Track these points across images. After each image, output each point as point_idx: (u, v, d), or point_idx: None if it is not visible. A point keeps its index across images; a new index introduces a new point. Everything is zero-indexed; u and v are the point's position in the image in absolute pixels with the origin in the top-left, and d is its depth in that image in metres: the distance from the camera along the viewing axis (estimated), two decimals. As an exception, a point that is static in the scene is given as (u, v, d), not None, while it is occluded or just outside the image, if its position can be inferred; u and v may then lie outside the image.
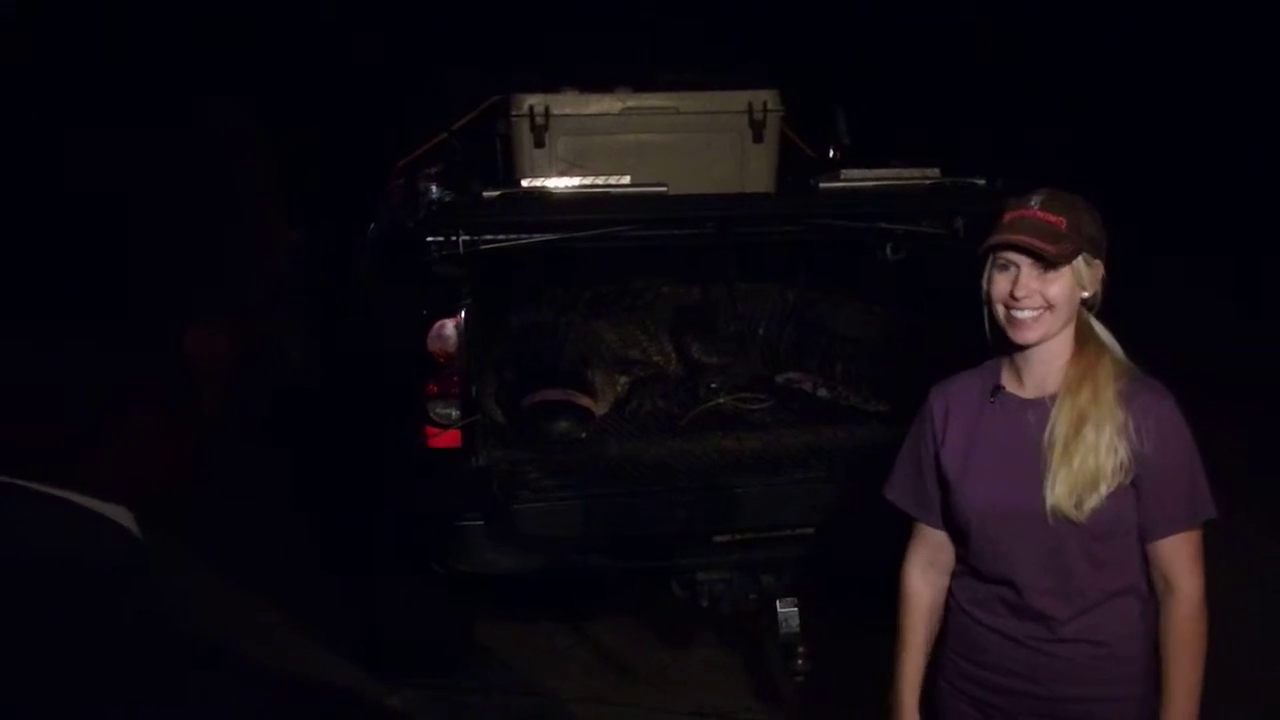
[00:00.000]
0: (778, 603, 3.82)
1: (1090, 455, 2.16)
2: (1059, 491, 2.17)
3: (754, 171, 4.75)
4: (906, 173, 4.18)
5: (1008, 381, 2.31)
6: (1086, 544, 2.22)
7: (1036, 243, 2.16)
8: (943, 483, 2.37)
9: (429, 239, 3.69)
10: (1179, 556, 2.22)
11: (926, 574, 2.43)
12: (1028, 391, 2.28)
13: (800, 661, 3.81)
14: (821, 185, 4.14)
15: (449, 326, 3.70)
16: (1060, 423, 2.19)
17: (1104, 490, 2.16)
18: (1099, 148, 9.40)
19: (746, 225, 4.20)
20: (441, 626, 4.34)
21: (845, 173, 4.19)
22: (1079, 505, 2.17)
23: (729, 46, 5.88)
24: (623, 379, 4.76)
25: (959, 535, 2.37)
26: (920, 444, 2.42)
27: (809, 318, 5.08)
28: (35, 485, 0.74)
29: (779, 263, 5.07)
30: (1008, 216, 2.23)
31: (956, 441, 2.34)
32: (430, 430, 3.72)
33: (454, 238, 3.67)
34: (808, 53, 7.02)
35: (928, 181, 4.14)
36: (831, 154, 5.29)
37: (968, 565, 2.37)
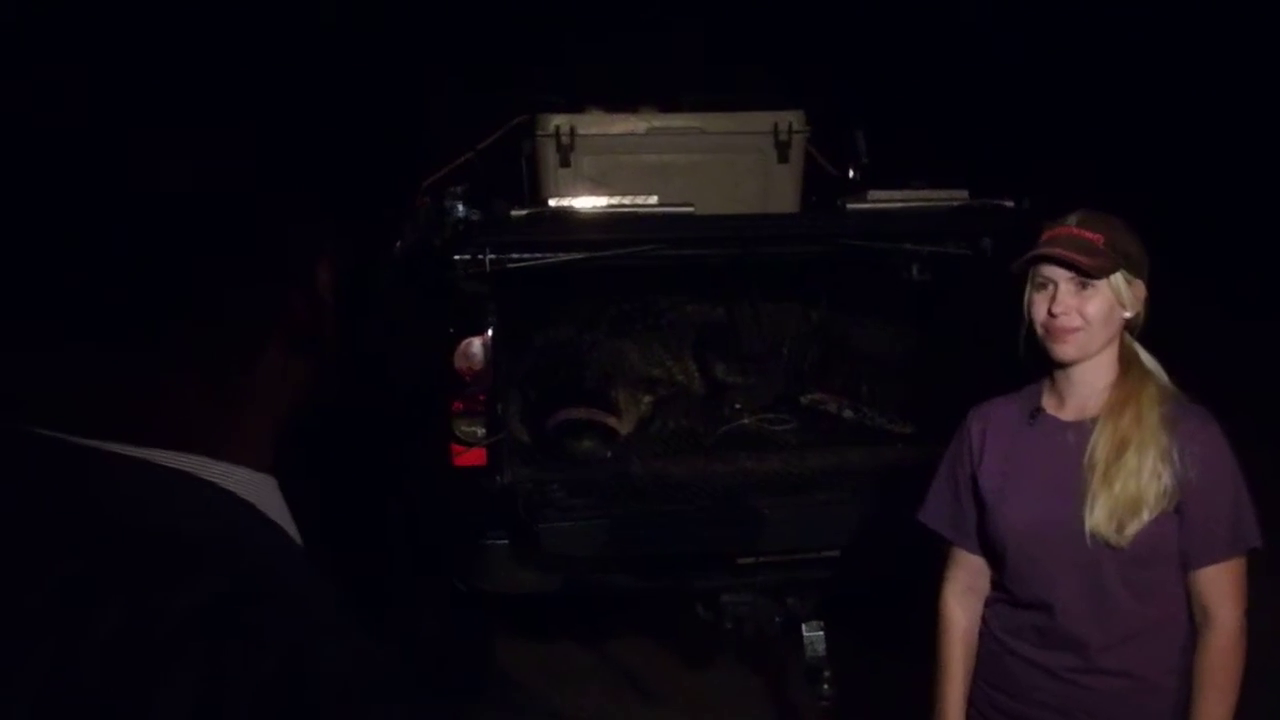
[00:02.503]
0: (803, 625, 3.80)
1: (1131, 480, 2.12)
2: (1098, 515, 2.14)
3: (779, 192, 4.75)
4: (934, 194, 4.17)
5: (1048, 404, 2.29)
6: (1126, 569, 2.18)
7: (1071, 255, 2.14)
8: (979, 504, 2.34)
9: (456, 257, 3.70)
10: (1219, 586, 2.17)
11: (964, 600, 2.40)
12: (1068, 414, 2.26)
13: (825, 685, 3.78)
14: (849, 206, 4.13)
15: (476, 344, 3.71)
16: (1101, 445, 2.16)
17: (1146, 516, 2.12)
18: (1127, 172, 9.36)
19: (774, 245, 4.20)
20: (462, 645, 4.33)
21: (872, 194, 4.18)
22: (1120, 530, 2.13)
23: (754, 67, 5.89)
24: (647, 398, 4.75)
25: (996, 558, 2.33)
26: (957, 465, 2.39)
27: (833, 338, 5.07)
28: (160, 457, 0.72)
29: (803, 282, 5.06)
30: (1045, 234, 2.22)
31: (994, 461, 2.32)
32: (456, 448, 3.72)
33: (481, 256, 3.68)
34: (829, 73, 7.02)
35: (955, 203, 4.13)
36: (851, 174, 5.29)
37: (1004, 591, 2.34)
